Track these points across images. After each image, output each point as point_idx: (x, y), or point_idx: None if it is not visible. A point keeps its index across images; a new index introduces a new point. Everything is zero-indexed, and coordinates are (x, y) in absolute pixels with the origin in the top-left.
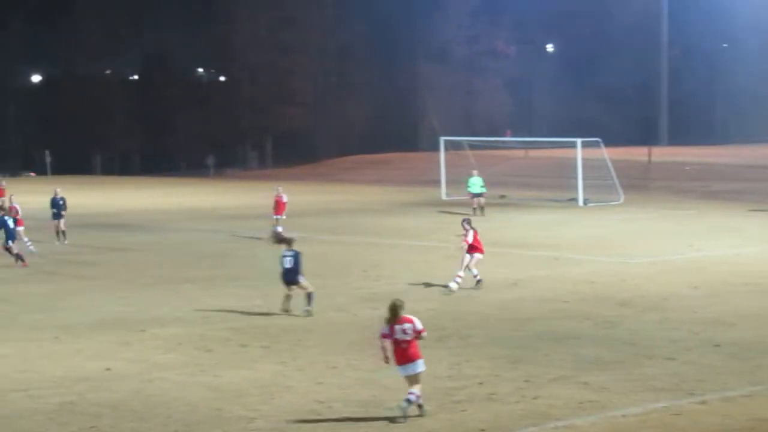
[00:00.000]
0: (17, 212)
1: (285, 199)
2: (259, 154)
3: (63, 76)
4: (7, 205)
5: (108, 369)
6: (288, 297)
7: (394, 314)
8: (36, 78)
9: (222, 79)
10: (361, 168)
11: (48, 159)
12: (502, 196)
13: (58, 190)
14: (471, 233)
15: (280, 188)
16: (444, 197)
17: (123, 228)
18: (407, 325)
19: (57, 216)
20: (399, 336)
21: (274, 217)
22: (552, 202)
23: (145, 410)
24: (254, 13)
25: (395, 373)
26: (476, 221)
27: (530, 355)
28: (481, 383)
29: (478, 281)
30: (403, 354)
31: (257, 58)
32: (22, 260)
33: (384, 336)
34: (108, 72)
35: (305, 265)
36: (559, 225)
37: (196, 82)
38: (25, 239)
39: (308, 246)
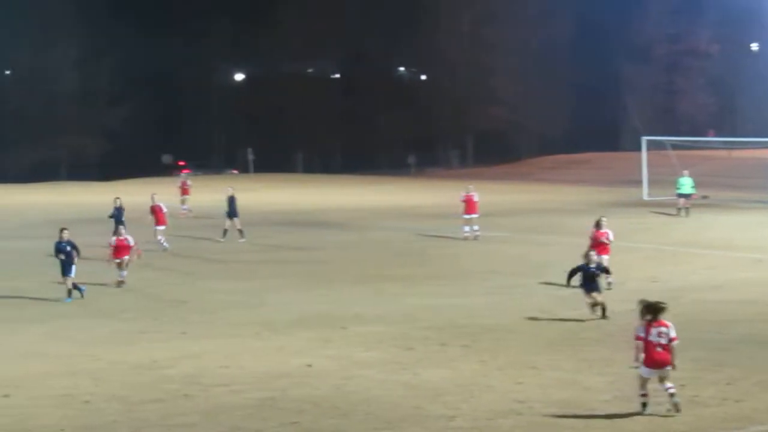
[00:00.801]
0: (161, 210)
1: (476, 198)
2: (460, 153)
3: (266, 75)
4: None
5: (309, 365)
6: (590, 305)
7: (655, 315)
8: (239, 77)
9: (423, 78)
10: (561, 167)
11: (251, 157)
12: (705, 197)
13: (230, 189)
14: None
15: (471, 187)
16: (645, 197)
17: (324, 226)
18: (663, 329)
19: (230, 215)
20: (653, 338)
21: (464, 216)
22: (757, 203)
23: (346, 407)
24: (456, 10)
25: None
26: (679, 222)
27: (733, 358)
28: (683, 385)
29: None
30: (657, 357)
31: (458, 56)
32: None
33: (638, 338)
34: (310, 71)
35: (503, 264)
36: (763, 226)
37: (398, 81)
38: (160, 238)
39: (508, 246)
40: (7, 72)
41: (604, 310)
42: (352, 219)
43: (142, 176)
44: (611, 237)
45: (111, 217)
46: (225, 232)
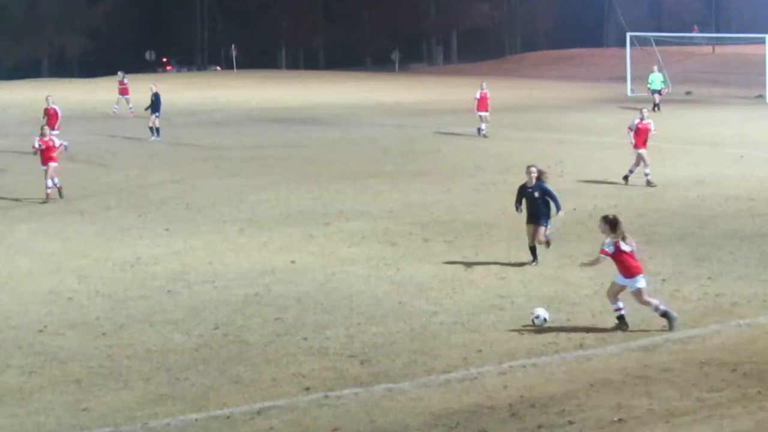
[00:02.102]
0: (56, 114)
1: (488, 95)
2: (444, 49)
3: None
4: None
5: (293, 262)
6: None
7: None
8: None
9: None
10: (546, 64)
11: (234, 53)
12: (688, 93)
13: (154, 86)
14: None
15: (484, 84)
16: (630, 94)
17: (308, 123)
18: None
19: (153, 111)
20: (626, 249)
21: (478, 114)
22: (739, 99)
23: (329, 303)
24: None
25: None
26: (662, 118)
27: (714, 253)
28: (664, 280)
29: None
30: (637, 264)
31: None
32: None
33: (605, 252)
34: None
35: (488, 161)
36: (745, 122)
37: None
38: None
39: (493, 143)
40: None
41: (533, 251)
42: (336, 116)
43: (126, 73)
44: (653, 128)
45: None
46: (152, 129)
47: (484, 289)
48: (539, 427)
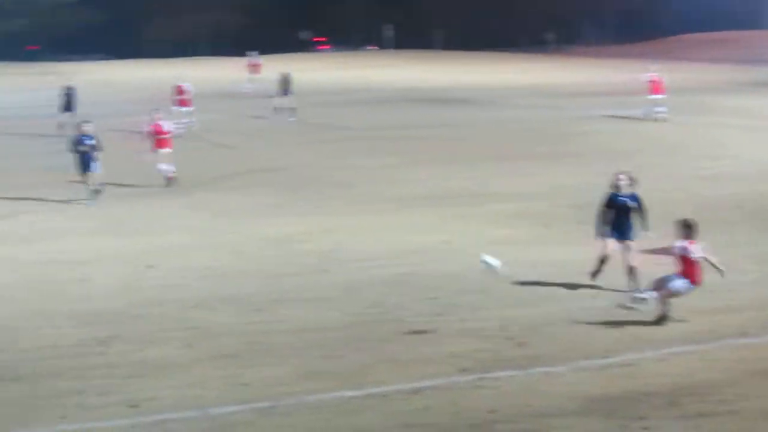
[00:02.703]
0: (184, 92)
1: (658, 78)
2: (599, 30)
3: None
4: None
5: (446, 242)
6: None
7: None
8: None
9: None
10: (701, 46)
11: (389, 33)
12: None
13: (284, 69)
14: None
15: (654, 67)
16: None
17: (461, 103)
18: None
19: (284, 93)
20: (698, 256)
21: (650, 97)
22: None
23: (484, 283)
24: None
25: None
26: None
27: None
28: None
29: None
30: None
31: None
32: None
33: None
34: None
35: (644, 143)
36: None
37: None
38: (185, 120)
39: (649, 126)
40: None
41: (601, 264)
42: (489, 96)
43: (279, 52)
44: None
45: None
46: (291, 110)
47: (642, 273)
48: (699, 415)
